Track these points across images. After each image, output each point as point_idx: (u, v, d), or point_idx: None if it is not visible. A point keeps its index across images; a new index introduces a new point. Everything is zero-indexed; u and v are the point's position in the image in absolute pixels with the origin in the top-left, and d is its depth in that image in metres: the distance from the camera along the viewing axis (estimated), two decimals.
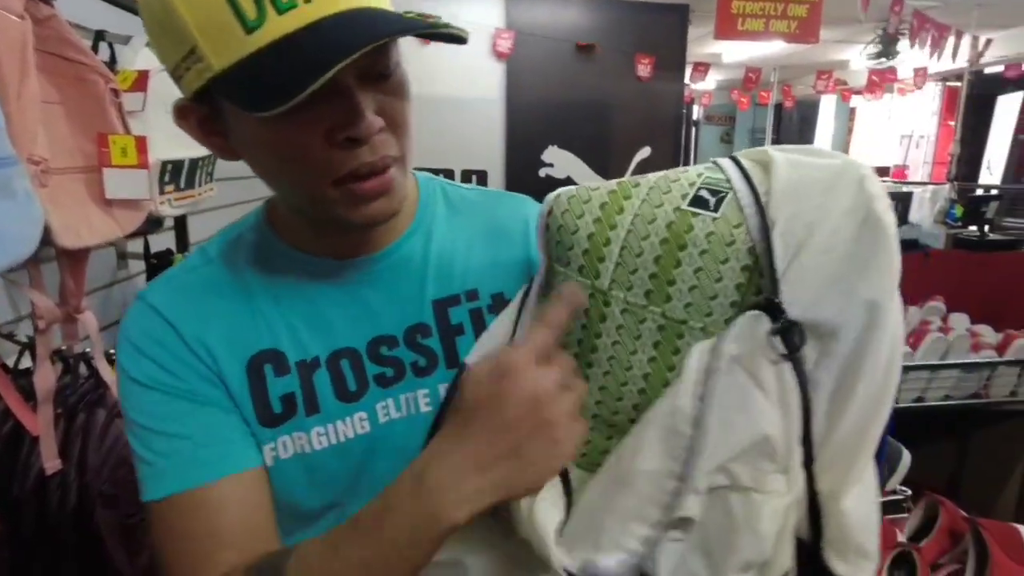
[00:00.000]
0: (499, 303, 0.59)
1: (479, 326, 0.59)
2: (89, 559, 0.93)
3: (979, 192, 5.38)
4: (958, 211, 4.34)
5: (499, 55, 3.28)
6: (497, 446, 0.41)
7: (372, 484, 0.55)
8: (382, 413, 0.56)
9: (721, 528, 0.40)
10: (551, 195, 0.49)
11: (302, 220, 0.56)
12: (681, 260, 0.43)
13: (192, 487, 0.50)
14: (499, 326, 0.53)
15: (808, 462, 0.40)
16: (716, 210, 0.43)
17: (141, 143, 0.93)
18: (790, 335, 0.39)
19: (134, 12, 1.52)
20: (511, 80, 3.33)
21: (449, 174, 3.20)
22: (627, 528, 0.42)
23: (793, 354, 0.40)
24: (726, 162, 0.46)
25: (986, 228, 4.31)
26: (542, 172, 3.39)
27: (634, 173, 3.51)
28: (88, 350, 1.03)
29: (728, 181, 0.45)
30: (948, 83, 6.95)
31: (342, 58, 0.40)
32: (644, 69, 3.40)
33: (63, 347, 1.00)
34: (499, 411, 0.41)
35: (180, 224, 1.74)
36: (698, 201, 0.44)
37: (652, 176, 0.48)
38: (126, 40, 1.19)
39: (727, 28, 3.10)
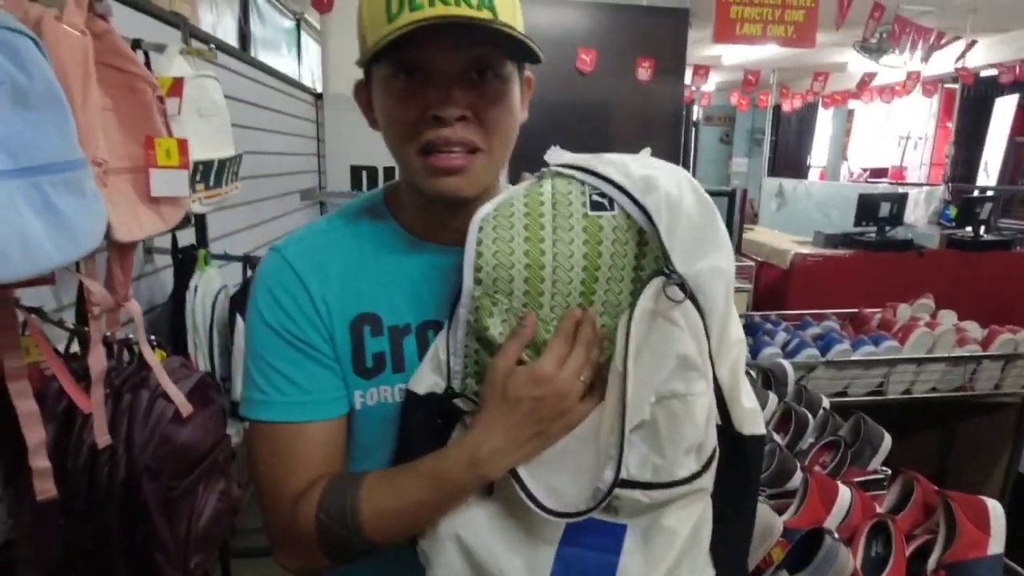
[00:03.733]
0: None
1: None
2: (135, 527, 1.01)
3: (975, 194, 5.46)
4: (952, 212, 4.42)
5: None
6: (530, 431, 0.56)
7: None
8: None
9: (669, 426, 0.55)
10: (476, 220, 0.57)
11: (413, 204, 0.67)
12: (602, 252, 0.56)
13: (291, 422, 0.62)
14: (434, 351, 0.62)
15: (712, 365, 0.57)
16: (613, 208, 0.56)
17: (183, 145, 1.01)
18: (685, 286, 0.54)
19: (168, 23, 1.61)
20: None
21: None
22: (608, 442, 0.55)
23: (691, 297, 0.54)
24: (573, 172, 0.58)
25: (982, 229, 4.38)
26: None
27: None
28: (131, 335, 1.11)
29: (595, 188, 0.57)
30: (946, 85, 7.02)
31: (427, 23, 0.53)
32: (644, 72, 3.48)
33: (107, 333, 1.08)
34: (536, 410, 0.55)
35: (199, 221, 1.82)
36: (596, 205, 0.56)
37: (547, 193, 0.58)
38: (161, 49, 1.27)
39: (725, 32, 3.18)
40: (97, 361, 0.96)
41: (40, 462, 0.90)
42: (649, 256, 0.56)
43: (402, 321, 0.65)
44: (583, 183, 0.57)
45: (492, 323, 0.57)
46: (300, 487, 0.60)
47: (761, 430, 0.59)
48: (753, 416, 0.59)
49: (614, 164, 0.58)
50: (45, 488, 0.91)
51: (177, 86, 1.19)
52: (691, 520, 0.56)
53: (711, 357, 0.56)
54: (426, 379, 0.61)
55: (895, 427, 1.38)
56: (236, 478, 1.31)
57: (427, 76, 0.57)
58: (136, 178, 0.99)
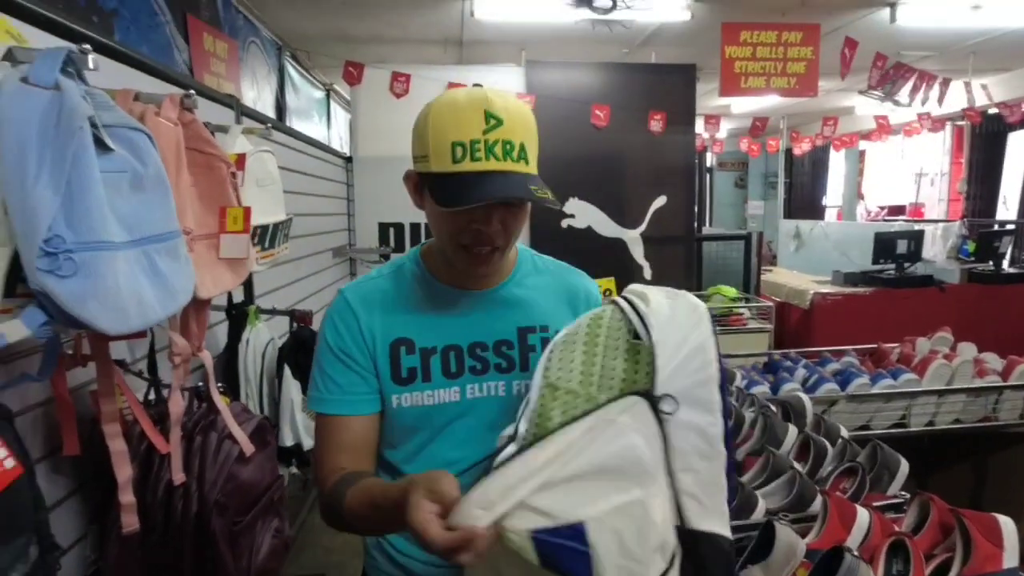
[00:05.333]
0: None
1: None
2: (204, 557, 1.11)
3: (994, 227, 5.47)
4: (970, 247, 4.45)
5: None
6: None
7: (455, 432, 0.88)
8: (469, 391, 0.89)
9: (632, 530, 0.61)
10: (551, 346, 0.75)
11: (441, 261, 0.90)
12: (638, 370, 0.69)
13: (337, 414, 0.87)
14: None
15: (670, 473, 0.65)
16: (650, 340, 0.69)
17: (247, 212, 1.16)
18: (659, 405, 0.65)
19: (229, 106, 1.81)
20: None
21: None
22: None
23: (657, 414, 0.65)
24: (625, 304, 0.74)
25: (1004, 262, 4.39)
26: (564, 223, 3.62)
27: (651, 221, 3.68)
28: (200, 384, 1.23)
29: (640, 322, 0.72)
30: (956, 123, 7.12)
31: (489, 199, 0.75)
32: (656, 124, 3.65)
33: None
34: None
35: (247, 279, 1.97)
36: (636, 335, 0.71)
37: (605, 319, 0.74)
38: (225, 129, 1.44)
39: (731, 86, 3.35)
40: (176, 405, 1.08)
41: (127, 497, 1.01)
42: (641, 371, 0.69)
43: (429, 344, 0.88)
44: (619, 320, 0.73)
45: (553, 407, 0.70)
46: (335, 466, 0.83)
47: (717, 529, 0.66)
48: (706, 512, 0.65)
49: (646, 299, 0.73)
50: (130, 521, 1.02)
51: (240, 161, 1.35)
52: None
53: (668, 460, 0.65)
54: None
55: (927, 460, 1.40)
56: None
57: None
58: (211, 243, 1.13)
